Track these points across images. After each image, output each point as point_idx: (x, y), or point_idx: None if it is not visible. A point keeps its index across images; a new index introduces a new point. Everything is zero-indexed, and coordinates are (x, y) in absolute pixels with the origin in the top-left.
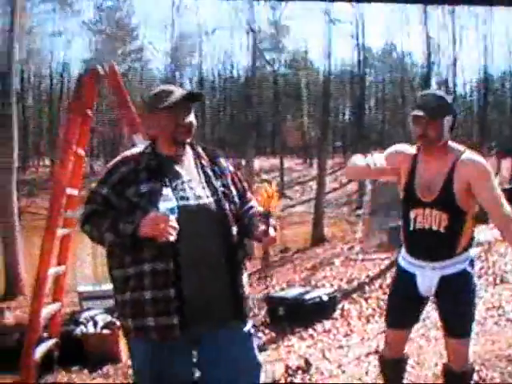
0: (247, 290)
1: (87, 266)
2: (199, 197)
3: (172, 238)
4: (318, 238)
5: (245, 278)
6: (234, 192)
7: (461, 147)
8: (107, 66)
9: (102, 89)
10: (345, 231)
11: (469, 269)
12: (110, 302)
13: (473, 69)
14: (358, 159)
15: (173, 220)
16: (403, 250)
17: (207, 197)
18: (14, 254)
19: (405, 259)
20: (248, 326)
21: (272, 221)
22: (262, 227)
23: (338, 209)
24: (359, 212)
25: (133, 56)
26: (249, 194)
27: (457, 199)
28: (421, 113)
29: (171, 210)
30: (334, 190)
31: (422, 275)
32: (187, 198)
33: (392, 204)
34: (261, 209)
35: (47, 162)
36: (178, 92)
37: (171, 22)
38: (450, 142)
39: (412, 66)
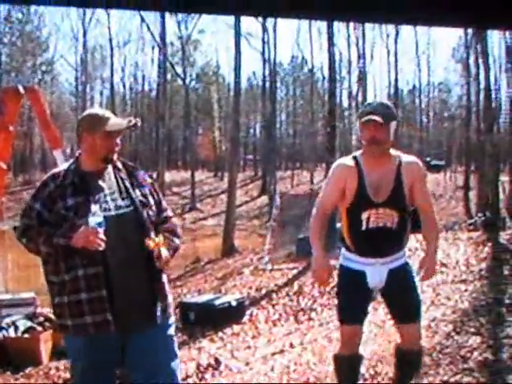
0: (168, 288)
1: None
2: (119, 207)
3: (101, 248)
4: (228, 250)
5: (165, 278)
6: (152, 202)
7: (396, 151)
8: (28, 86)
9: None
10: (255, 243)
11: (408, 261)
12: (29, 310)
13: (383, 83)
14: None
15: (101, 233)
16: (346, 252)
17: (126, 206)
18: None
19: (351, 260)
20: (170, 321)
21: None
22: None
23: (249, 221)
24: (269, 224)
25: (43, 68)
26: (164, 204)
27: (406, 198)
28: (376, 117)
29: (99, 224)
30: (246, 202)
31: (371, 271)
32: (109, 209)
33: (301, 216)
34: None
35: None
36: (117, 119)
37: (82, 34)
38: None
39: (323, 81)
